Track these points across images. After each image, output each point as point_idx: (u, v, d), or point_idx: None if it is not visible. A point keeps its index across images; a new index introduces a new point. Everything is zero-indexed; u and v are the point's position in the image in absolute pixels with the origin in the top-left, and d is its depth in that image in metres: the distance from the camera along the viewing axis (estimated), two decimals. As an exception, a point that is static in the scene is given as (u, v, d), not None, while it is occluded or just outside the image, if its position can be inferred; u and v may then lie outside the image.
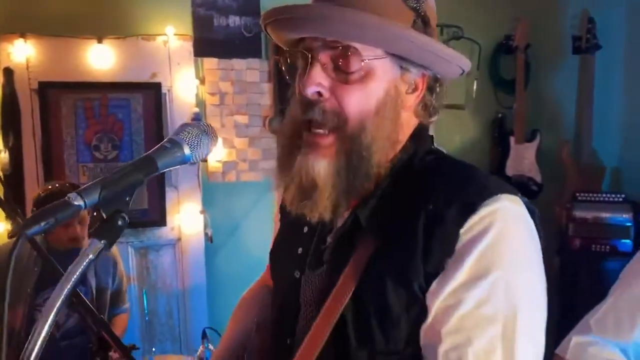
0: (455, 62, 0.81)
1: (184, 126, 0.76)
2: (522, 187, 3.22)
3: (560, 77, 3.32)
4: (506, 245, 0.72)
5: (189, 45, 2.81)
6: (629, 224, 2.92)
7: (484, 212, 0.72)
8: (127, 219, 0.68)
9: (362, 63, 0.76)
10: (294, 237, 0.91)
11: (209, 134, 0.76)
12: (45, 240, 2.30)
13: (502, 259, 0.71)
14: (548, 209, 3.28)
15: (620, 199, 2.97)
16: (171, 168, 0.75)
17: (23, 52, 2.61)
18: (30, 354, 0.63)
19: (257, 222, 2.98)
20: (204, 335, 1.71)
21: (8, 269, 2.12)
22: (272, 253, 1.02)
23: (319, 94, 0.77)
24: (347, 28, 0.74)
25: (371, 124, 0.76)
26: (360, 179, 0.77)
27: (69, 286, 0.65)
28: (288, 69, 0.82)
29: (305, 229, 0.89)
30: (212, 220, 2.90)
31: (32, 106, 2.63)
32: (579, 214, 2.99)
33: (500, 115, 3.25)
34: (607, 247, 2.91)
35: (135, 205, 2.81)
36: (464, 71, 0.85)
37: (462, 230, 0.72)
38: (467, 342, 0.70)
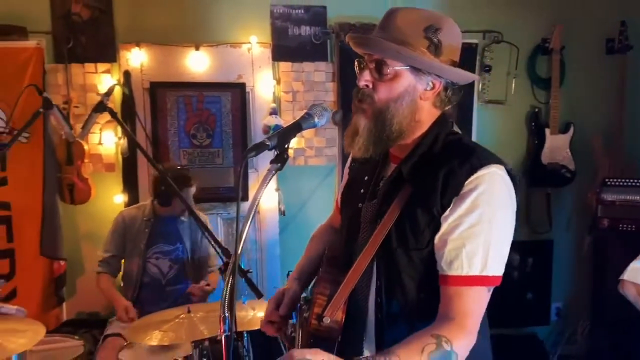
0: (452, 73, 1.19)
1: (314, 105, 1.21)
2: (556, 174, 3.48)
3: (593, 75, 3.51)
4: (490, 194, 1.11)
5: (268, 52, 3.23)
6: (652, 205, 3.14)
7: (480, 173, 1.12)
8: (287, 156, 1.12)
9: (389, 70, 1.17)
10: (359, 183, 1.33)
11: (328, 110, 1.22)
12: (154, 209, 2.81)
13: (487, 201, 1.11)
14: (581, 194, 3.52)
15: (645, 184, 3.18)
16: (308, 129, 1.20)
17: (138, 58, 3.12)
18: (240, 240, 1.05)
19: (321, 199, 3.38)
20: (289, 275, 2.11)
21: (143, 226, 2.68)
22: (344, 193, 1.43)
23: (366, 85, 1.20)
24: (383, 50, 1.17)
25: (393, 105, 1.18)
26: (383, 135, 1.19)
27: (261, 191, 1.09)
28: (357, 69, 1.25)
29: (366, 178, 1.31)
30: (284, 197, 3.32)
31: (144, 102, 3.14)
32: (607, 197, 3.22)
33: (536, 109, 3.50)
34: (633, 226, 3.13)
35: (224, 183, 3.29)
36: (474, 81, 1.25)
37: (466, 182, 1.12)
38: (462, 245, 1.11)
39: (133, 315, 2.59)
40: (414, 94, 1.18)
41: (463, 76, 1.22)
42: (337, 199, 1.54)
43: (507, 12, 3.39)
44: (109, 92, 2.01)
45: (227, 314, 1.03)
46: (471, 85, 3.40)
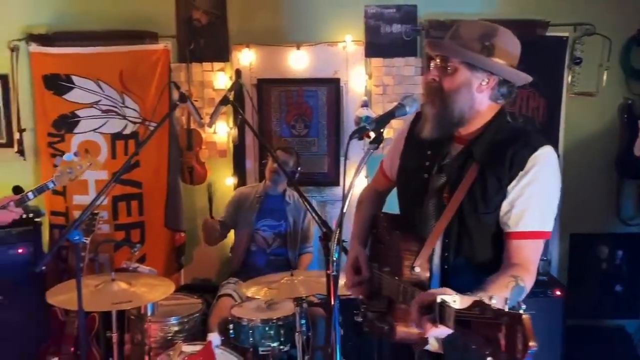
0: (503, 71, 1.41)
1: (406, 97, 1.46)
2: (649, 166, 3.41)
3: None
4: (547, 169, 1.40)
5: (361, 49, 3.48)
6: None
7: (539, 152, 1.40)
8: (383, 138, 1.38)
9: (449, 65, 1.43)
10: (422, 155, 1.55)
11: (417, 101, 1.46)
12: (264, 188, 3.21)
13: (544, 174, 1.40)
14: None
15: None
16: (401, 117, 1.46)
17: (247, 57, 3.50)
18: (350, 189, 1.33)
19: (409, 187, 3.59)
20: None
21: (255, 202, 3.17)
22: (403, 162, 1.64)
23: (433, 79, 1.45)
24: (446, 50, 1.44)
25: (454, 95, 1.44)
26: (446, 120, 1.45)
27: (362, 167, 1.35)
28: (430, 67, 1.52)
29: (429, 152, 1.54)
30: (373, 183, 3.58)
31: (251, 96, 3.53)
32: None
33: (630, 101, 3.44)
34: None
35: (318, 169, 3.61)
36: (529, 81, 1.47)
37: (529, 159, 1.39)
38: (527, 208, 1.40)
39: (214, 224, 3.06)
40: (470, 87, 1.43)
41: (515, 75, 1.45)
42: (382, 165, 1.79)
43: (600, 4, 3.36)
44: (232, 88, 2.39)
45: (335, 258, 1.32)
46: (560, 77, 3.43)
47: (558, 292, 3.12)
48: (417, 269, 1.42)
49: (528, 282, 1.36)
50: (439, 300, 1.12)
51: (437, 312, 1.12)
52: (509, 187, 1.40)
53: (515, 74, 1.44)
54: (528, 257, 1.40)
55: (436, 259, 1.48)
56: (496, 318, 0.97)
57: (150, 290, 2.51)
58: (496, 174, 1.41)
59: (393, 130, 3.54)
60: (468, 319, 1.04)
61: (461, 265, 1.45)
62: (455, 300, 1.10)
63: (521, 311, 0.95)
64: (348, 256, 1.71)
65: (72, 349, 2.90)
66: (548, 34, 3.36)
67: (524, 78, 1.46)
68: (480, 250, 1.45)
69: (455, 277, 1.45)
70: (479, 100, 1.45)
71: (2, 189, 3.41)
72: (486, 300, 1.03)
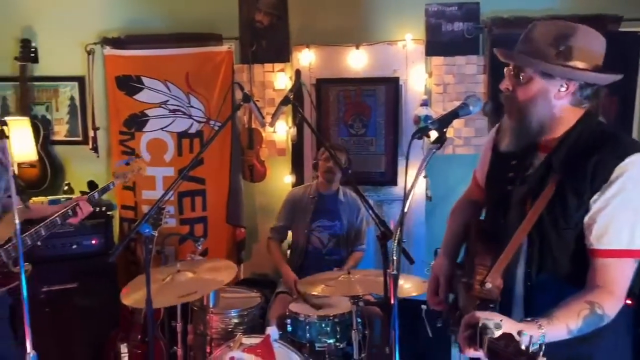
0: (582, 76, 1.33)
1: (469, 96, 1.43)
2: None
3: None
4: (636, 179, 1.28)
5: (421, 48, 3.43)
6: None
7: (627, 161, 1.29)
8: (446, 138, 1.36)
9: (523, 75, 1.36)
10: (506, 166, 1.51)
11: (481, 100, 1.43)
12: (317, 188, 3.23)
13: (633, 185, 1.28)
14: None
15: None
16: (465, 117, 1.43)
17: (307, 58, 3.55)
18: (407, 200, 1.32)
19: (467, 187, 3.50)
20: (436, 253, 2.33)
21: (309, 203, 3.21)
22: (490, 173, 1.61)
23: (507, 89, 1.39)
24: (517, 60, 1.38)
25: (529, 105, 1.38)
26: (524, 131, 1.38)
27: (423, 166, 1.36)
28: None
29: (514, 162, 1.49)
30: (431, 184, 3.51)
31: (310, 96, 3.56)
32: None
33: None
34: None
35: (375, 168, 3.60)
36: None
37: (614, 169, 1.29)
38: (610, 223, 1.30)
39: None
40: (547, 95, 1.36)
41: (595, 77, 1.34)
42: (475, 174, 1.74)
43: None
44: (293, 89, 2.43)
45: (394, 258, 1.32)
46: (633, 75, 3.24)
47: (629, 301, 2.95)
48: (489, 285, 1.37)
49: (610, 308, 1.26)
50: (480, 324, 1.09)
51: (477, 336, 1.10)
52: (591, 201, 1.31)
53: (595, 76, 1.34)
54: (613, 279, 1.29)
55: (519, 275, 1.43)
56: (515, 356, 0.97)
57: (216, 274, 2.58)
58: (576, 188, 1.32)
59: (454, 130, 3.48)
60: (496, 350, 1.03)
61: (545, 281, 1.39)
62: (500, 326, 1.06)
63: (541, 354, 0.94)
64: (432, 271, 1.70)
65: (140, 336, 3.05)
66: (621, 29, 3.18)
67: (608, 78, 1.35)
68: (564, 266, 1.37)
69: (540, 294, 1.39)
70: (559, 107, 1.37)
71: (78, 183, 3.66)
72: (515, 335, 1.00)
